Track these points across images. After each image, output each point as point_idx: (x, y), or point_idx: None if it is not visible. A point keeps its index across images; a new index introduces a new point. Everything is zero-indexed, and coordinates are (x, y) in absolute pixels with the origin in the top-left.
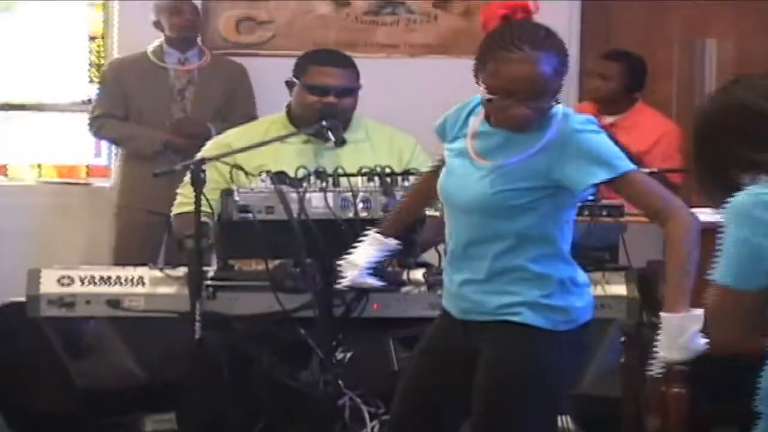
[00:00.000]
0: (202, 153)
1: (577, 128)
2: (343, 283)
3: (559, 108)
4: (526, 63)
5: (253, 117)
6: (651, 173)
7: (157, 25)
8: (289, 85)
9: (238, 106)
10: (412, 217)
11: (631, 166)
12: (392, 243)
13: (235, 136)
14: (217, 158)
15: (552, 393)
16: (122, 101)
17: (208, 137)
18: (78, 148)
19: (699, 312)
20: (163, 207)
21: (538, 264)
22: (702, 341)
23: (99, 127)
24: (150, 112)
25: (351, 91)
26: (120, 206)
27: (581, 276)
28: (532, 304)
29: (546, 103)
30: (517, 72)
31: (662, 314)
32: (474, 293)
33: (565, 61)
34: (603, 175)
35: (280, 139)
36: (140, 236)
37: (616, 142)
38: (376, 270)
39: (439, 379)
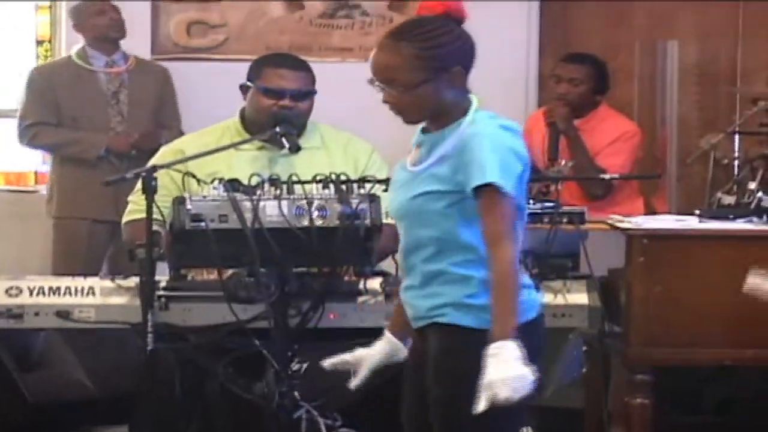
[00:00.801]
0: (154, 160)
1: (474, 132)
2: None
3: (472, 112)
4: (377, 51)
5: (179, 121)
6: (612, 178)
7: (78, 28)
8: (243, 89)
9: (165, 110)
10: None
11: (497, 181)
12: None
13: (187, 143)
14: (168, 165)
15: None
16: (54, 108)
17: (159, 144)
18: (26, 155)
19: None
20: (106, 215)
21: (462, 267)
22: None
23: (33, 135)
24: (85, 118)
25: (307, 94)
26: (59, 216)
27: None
28: (457, 305)
29: (399, 92)
30: (372, 56)
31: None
32: (413, 299)
33: (425, 54)
34: (476, 181)
35: (234, 145)
36: (83, 246)
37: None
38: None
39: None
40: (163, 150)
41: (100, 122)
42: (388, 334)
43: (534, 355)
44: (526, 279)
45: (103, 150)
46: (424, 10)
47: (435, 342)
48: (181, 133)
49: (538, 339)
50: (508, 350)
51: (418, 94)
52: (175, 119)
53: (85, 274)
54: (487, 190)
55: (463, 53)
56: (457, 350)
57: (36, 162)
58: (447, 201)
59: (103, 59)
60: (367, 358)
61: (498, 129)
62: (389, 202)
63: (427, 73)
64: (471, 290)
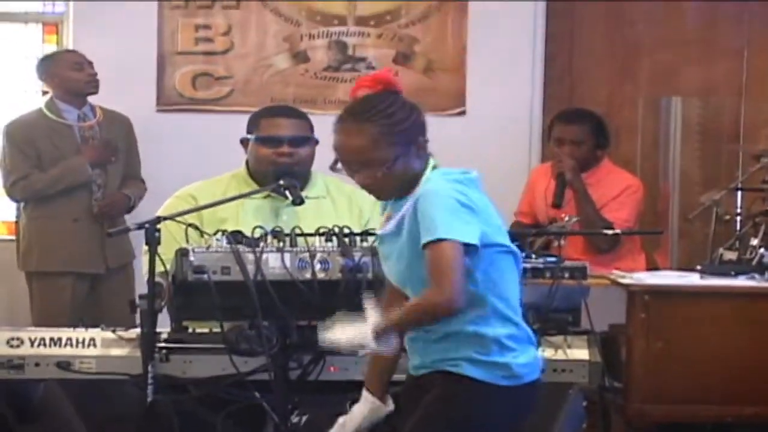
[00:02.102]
0: (165, 206)
1: (423, 191)
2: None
3: (428, 171)
4: (341, 134)
5: (140, 167)
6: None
7: (50, 80)
8: (243, 143)
9: (132, 159)
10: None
11: (445, 236)
12: (385, 407)
13: (200, 190)
14: (172, 217)
15: None
16: (36, 160)
17: (128, 206)
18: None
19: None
20: (90, 267)
21: (473, 324)
22: None
23: (23, 188)
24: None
25: (305, 140)
26: (42, 271)
27: (523, 333)
28: (470, 360)
29: (377, 171)
30: (337, 143)
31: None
32: (424, 347)
33: (391, 130)
34: (425, 238)
35: (242, 197)
36: (67, 301)
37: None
38: None
39: None
40: (176, 195)
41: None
42: (367, 395)
43: (519, 415)
44: (525, 334)
45: (89, 167)
46: (363, 90)
47: (438, 387)
48: (143, 182)
49: (533, 399)
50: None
51: (395, 170)
52: (138, 167)
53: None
54: (435, 243)
55: (421, 123)
56: (459, 398)
57: (8, 212)
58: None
59: (74, 112)
60: (349, 423)
61: (446, 183)
62: (386, 273)
63: (398, 149)
64: (483, 348)
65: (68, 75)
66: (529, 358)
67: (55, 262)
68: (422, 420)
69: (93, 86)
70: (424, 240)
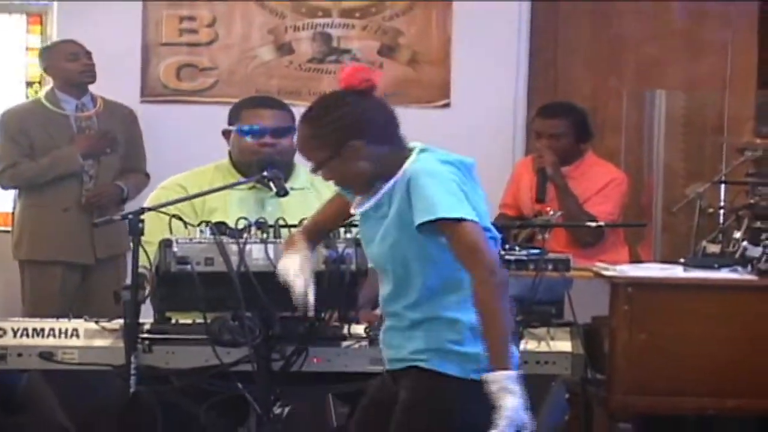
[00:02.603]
0: (151, 198)
1: (414, 170)
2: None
3: (414, 155)
4: None
5: (145, 161)
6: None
7: (49, 70)
8: (225, 134)
9: (133, 150)
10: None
11: (447, 214)
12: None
13: (186, 181)
14: (155, 208)
15: None
16: (29, 150)
17: (121, 197)
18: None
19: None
20: (80, 258)
21: (448, 310)
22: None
23: (10, 176)
24: None
25: (287, 130)
26: (31, 260)
27: None
28: (440, 351)
29: (316, 164)
30: None
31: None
32: (394, 339)
33: (320, 133)
34: (424, 217)
35: (228, 187)
36: (56, 290)
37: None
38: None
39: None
40: (162, 186)
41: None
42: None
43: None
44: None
45: (80, 157)
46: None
47: (410, 386)
48: (146, 176)
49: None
50: (509, 382)
51: (332, 170)
52: (143, 161)
53: (58, 317)
54: (444, 224)
55: (357, 127)
56: (433, 398)
57: (7, 203)
58: (416, 243)
59: (73, 102)
60: (290, 265)
61: (440, 165)
62: (367, 256)
63: (327, 152)
64: (456, 336)
65: (63, 65)
66: None
67: (44, 251)
68: (398, 423)
69: (88, 76)
70: (423, 219)
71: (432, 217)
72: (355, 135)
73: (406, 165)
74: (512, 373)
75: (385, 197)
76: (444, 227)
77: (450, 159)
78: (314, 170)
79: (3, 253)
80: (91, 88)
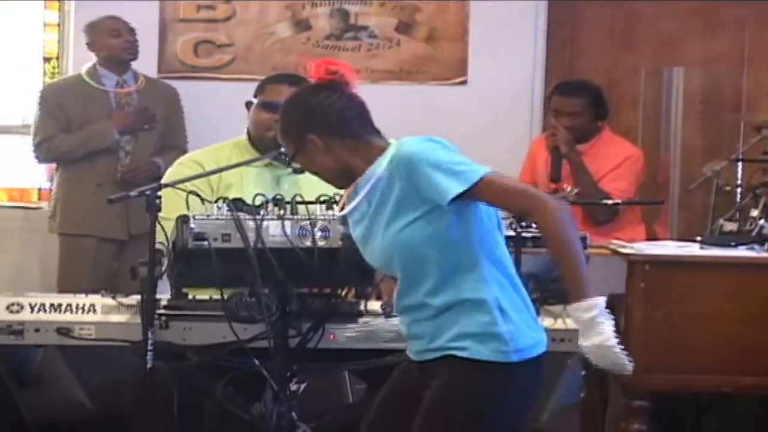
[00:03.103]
0: (169, 174)
1: (404, 158)
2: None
3: (393, 145)
4: None
5: (186, 140)
6: (615, 203)
7: (91, 46)
8: (248, 105)
9: (174, 129)
10: None
11: (482, 172)
12: None
13: (203, 156)
14: (173, 184)
15: (500, 428)
16: (66, 124)
17: (157, 173)
18: (30, 172)
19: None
20: (113, 234)
21: (471, 291)
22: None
23: (46, 150)
24: None
25: None
26: (65, 233)
27: (527, 305)
28: (478, 335)
29: (290, 158)
30: None
31: (568, 307)
32: (423, 329)
33: (283, 127)
34: (452, 191)
35: (245, 163)
36: (89, 264)
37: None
38: None
39: (396, 421)
40: (179, 162)
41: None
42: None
43: (533, 391)
44: (527, 304)
45: (116, 133)
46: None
47: (447, 375)
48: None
49: (541, 373)
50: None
51: (303, 165)
52: (182, 139)
53: (90, 292)
54: (475, 189)
55: (312, 121)
56: (473, 387)
57: (40, 178)
58: (430, 226)
59: (113, 78)
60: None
61: (421, 142)
62: (367, 258)
63: (293, 146)
64: (488, 317)
65: (106, 41)
66: (534, 330)
67: (77, 225)
68: (432, 411)
69: (129, 52)
70: (454, 192)
71: (464, 187)
72: (311, 129)
73: (390, 154)
74: (600, 299)
75: (375, 192)
76: (475, 192)
77: (431, 137)
78: (289, 164)
79: (40, 228)
80: None
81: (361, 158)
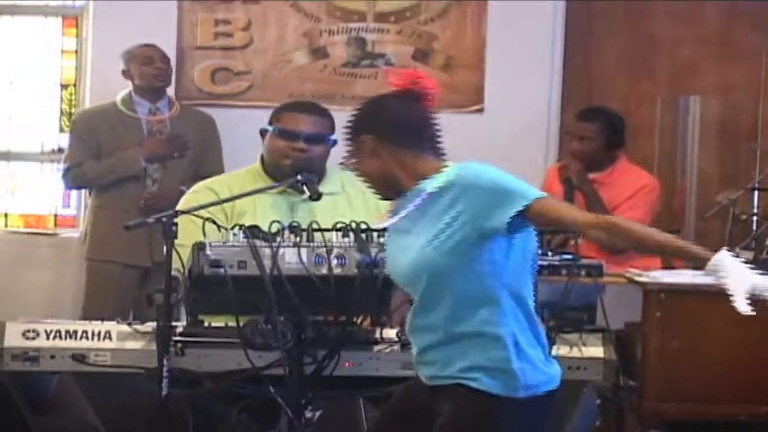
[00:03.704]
0: (184, 200)
1: (470, 177)
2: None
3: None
4: None
5: (221, 168)
6: None
7: (126, 74)
8: (263, 133)
9: (208, 157)
10: None
11: (533, 196)
12: None
13: (217, 184)
14: (189, 211)
15: None
16: (96, 151)
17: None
18: (46, 198)
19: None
20: (138, 260)
21: (490, 325)
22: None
23: (74, 176)
24: None
25: (322, 139)
26: (91, 259)
27: (541, 340)
28: (490, 369)
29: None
30: None
31: (707, 267)
32: (436, 355)
33: (347, 127)
34: (513, 208)
35: (260, 191)
36: (113, 290)
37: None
38: None
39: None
40: (194, 190)
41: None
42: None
43: (543, 425)
44: (543, 343)
45: (142, 161)
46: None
47: (455, 405)
48: None
49: (551, 409)
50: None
51: (353, 168)
52: (218, 167)
53: (114, 318)
54: (532, 208)
55: (371, 123)
56: (482, 419)
57: (56, 205)
58: (468, 251)
59: (146, 106)
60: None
61: (485, 165)
62: (391, 271)
63: (349, 146)
64: (504, 353)
65: (139, 69)
66: (548, 367)
67: (103, 251)
68: None
69: (160, 80)
70: (515, 209)
71: (525, 203)
72: (367, 129)
73: (450, 174)
74: (720, 254)
75: (423, 208)
76: (533, 210)
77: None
78: (344, 166)
79: (72, 254)
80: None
81: (406, 172)
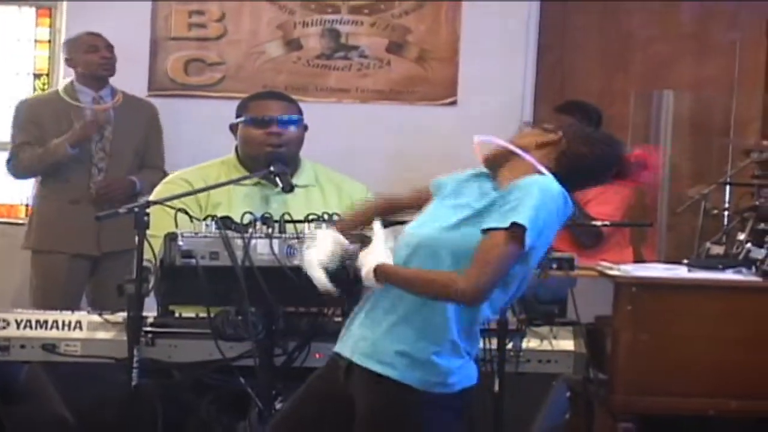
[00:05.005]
0: (158, 190)
1: (529, 183)
2: (319, 284)
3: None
4: None
5: (163, 157)
6: (604, 225)
7: (70, 62)
8: (233, 129)
9: (152, 146)
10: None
11: (519, 221)
12: (350, 246)
13: (191, 175)
14: (161, 201)
15: None
16: (40, 139)
17: (133, 191)
18: (17, 188)
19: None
20: (87, 250)
21: (449, 310)
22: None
23: (13, 165)
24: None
25: (294, 121)
26: (37, 250)
27: (474, 342)
28: (415, 359)
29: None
30: None
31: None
32: (371, 327)
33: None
34: (497, 223)
35: (234, 182)
36: (61, 281)
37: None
38: (333, 275)
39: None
40: (167, 181)
41: (83, 158)
42: (332, 232)
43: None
44: (475, 342)
45: (69, 148)
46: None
47: (368, 392)
48: (164, 173)
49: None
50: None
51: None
52: (160, 158)
53: (63, 309)
54: (497, 232)
55: (579, 141)
56: (396, 410)
57: (28, 194)
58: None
59: (90, 95)
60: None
61: (558, 192)
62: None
63: (553, 123)
64: (438, 347)
65: (83, 57)
66: (469, 367)
67: (49, 242)
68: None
69: (105, 69)
70: (491, 225)
71: (495, 226)
72: (570, 138)
73: (533, 178)
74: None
75: (487, 197)
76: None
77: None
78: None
79: (16, 244)
80: None
81: (523, 171)
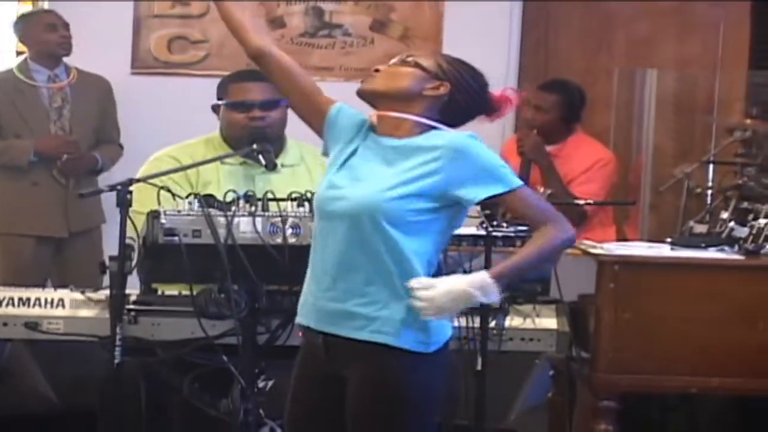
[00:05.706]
0: (144, 170)
1: (465, 145)
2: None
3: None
4: None
5: (119, 133)
6: (587, 204)
7: (25, 40)
8: (216, 109)
9: (109, 123)
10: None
11: (515, 183)
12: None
13: (178, 153)
14: (144, 179)
15: (427, 417)
16: None
17: (95, 168)
18: None
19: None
20: (52, 232)
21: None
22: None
23: None
24: (27, 133)
25: (275, 103)
26: (2, 233)
27: None
28: (400, 321)
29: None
30: None
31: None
32: (338, 299)
33: (445, 63)
34: (494, 190)
35: (220, 158)
36: (27, 265)
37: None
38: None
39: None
40: (155, 158)
41: (43, 137)
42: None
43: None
44: None
45: (32, 155)
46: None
47: (373, 365)
48: (120, 147)
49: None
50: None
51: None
52: (116, 132)
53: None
54: (508, 197)
55: (460, 80)
56: (399, 376)
57: None
58: (432, 213)
59: (45, 73)
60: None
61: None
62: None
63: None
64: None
65: (41, 36)
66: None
67: (14, 225)
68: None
69: (64, 48)
70: (496, 191)
71: (506, 189)
72: (450, 79)
73: (442, 136)
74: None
75: (402, 153)
76: (507, 198)
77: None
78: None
79: None
80: (80, 58)
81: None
